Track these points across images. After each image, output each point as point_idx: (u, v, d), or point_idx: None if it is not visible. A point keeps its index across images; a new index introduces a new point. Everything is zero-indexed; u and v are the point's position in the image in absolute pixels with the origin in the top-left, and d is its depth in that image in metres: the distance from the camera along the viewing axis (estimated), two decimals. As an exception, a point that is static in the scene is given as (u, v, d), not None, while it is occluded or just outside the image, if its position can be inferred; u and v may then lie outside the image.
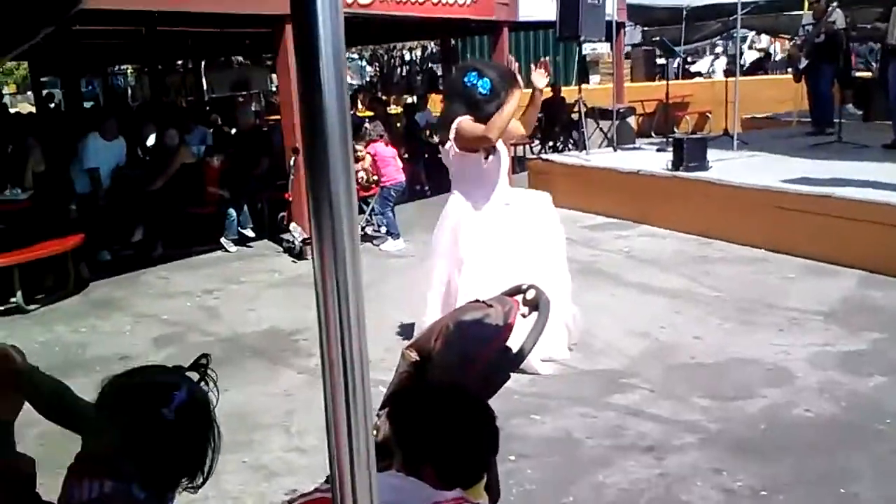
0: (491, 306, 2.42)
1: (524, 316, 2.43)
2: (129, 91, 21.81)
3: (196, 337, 5.97)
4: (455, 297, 4.76)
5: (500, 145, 4.91)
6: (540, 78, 4.96)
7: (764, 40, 26.39)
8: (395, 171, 8.47)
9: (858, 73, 11.85)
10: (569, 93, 14.18)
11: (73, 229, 7.27)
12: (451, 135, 4.83)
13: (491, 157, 4.90)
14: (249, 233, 8.73)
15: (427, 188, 11.66)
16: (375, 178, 8.53)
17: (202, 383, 1.79)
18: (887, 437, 3.80)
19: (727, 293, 6.14)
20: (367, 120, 8.60)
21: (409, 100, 15.59)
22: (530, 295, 2.46)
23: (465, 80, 4.81)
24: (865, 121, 11.57)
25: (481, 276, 4.63)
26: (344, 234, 0.94)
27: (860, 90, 11.94)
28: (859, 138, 9.40)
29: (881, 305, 5.62)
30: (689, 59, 22.03)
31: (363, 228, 8.50)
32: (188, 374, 1.80)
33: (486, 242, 4.88)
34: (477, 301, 2.56)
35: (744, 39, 21.28)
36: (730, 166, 8.53)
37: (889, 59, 9.19)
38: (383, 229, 8.62)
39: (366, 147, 8.46)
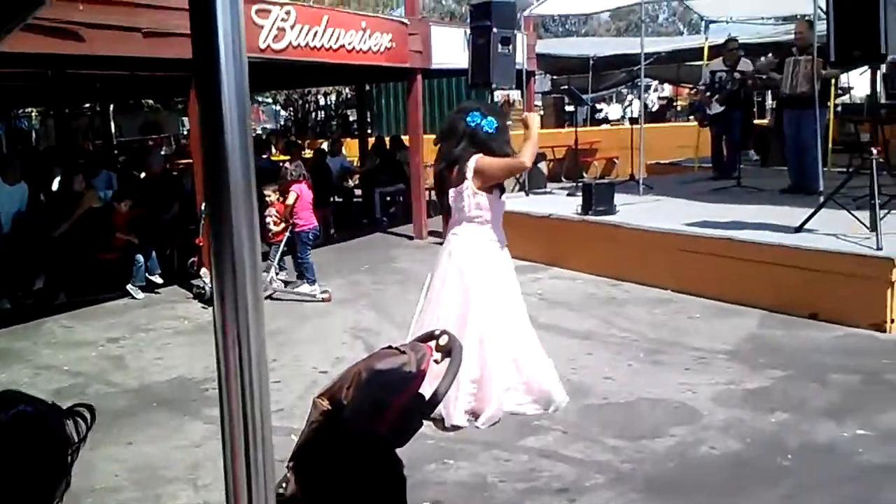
0: (404, 353, 2.42)
1: (437, 362, 2.44)
2: (34, 134, 21.14)
3: (100, 388, 5.76)
4: (466, 330, 4.65)
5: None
6: (535, 116, 5.15)
7: (667, 89, 27.52)
8: (310, 216, 8.38)
9: (756, 121, 12.41)
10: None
11: (-31, 277, 6.96)
12: (470, 174, 4.80)
13: (503, 195, 4.96)
14: (158, 279, 8.51)
15: (334, 232, 11.64)
16: (283, 225, 8.31)
17: (70, 422, 1.63)
18: (792, 472, 3.93)
19: (636, 334, 6.29)
20: (285, 162, 8.47)
21: (324, 145, 15.61)
22: (443, 341, 2.48)
23: (469, 120, 4.84)
24: (763, 166, 12.12)
25: (496, 312, 4.78)
26: (247, 284, 0.93)
27: (759, 137, 12.52)
28: (758, 183, 9.83)
29: (782, 344, 5.85)
30: (596, 107, 22.74)
31: (278, 274, 8.38)
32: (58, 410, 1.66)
33: (501, 279, 4.94)
34: (389, 347, 2.56)
35: (648, 88, 22.10)
36: (636, 210, 8.80)
37: (784, 108, 9.67)
38: (283, 274, 8.51)
39: (289, 188, 8.31)
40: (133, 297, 8.26)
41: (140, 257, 8.31)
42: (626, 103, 24.29)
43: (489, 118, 4.84)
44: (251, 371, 0.96)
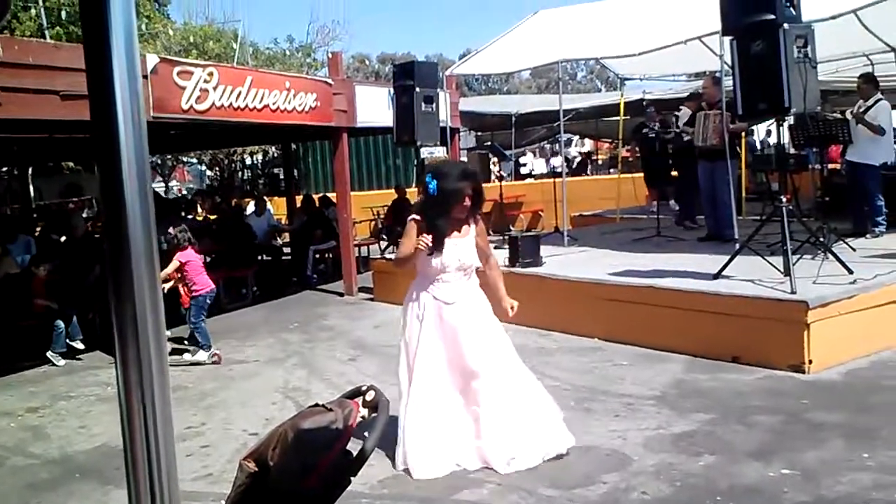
0: (330, 410, 2.42)
1: (363, 418, 2.44)
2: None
3: (19, 460, 5.54)
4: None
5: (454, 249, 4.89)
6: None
7: (588, 143, 28.30)
8: (206, 279, 7.97)
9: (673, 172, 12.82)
10: (411, 194, 14.55)
11: None
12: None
13: (433, 255, 4.86)
14: (79, 345, 8.27)
15: (256, 291, 11.55)
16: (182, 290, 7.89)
17: None
18: (719, 513, 4.01)
19: (566, 383, 6.37)
20: (171, 226, 8.05)
21: (250, 205, 15.51)
22: (370, 396, 2.49)
23: (426, 180, 4.89)
24: (678, 224, 12.47)
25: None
26: (151, 353, 0.92)
27: (676, 188, 12.91)
28: (677, 232, 10.14)
29: (707, 388, 5.99)
30: (520, 161, 23.21)
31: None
32: None
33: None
34: (315, 405, 2.55)
35: (569, 142, 22.68)
36: (562, 261, 8.99)
37: (699, 161, 10.04)
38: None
39: (172, 255, 7.80)
40: (54, 364, 8.01)
41: (60, 323, 8.08)
42: (548, 157, 24.89)
43: (433, 181, 4.81)
44: (157, 438, 0.95)
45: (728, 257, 7.20)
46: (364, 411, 2.43)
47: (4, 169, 17.70)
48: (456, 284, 4.92)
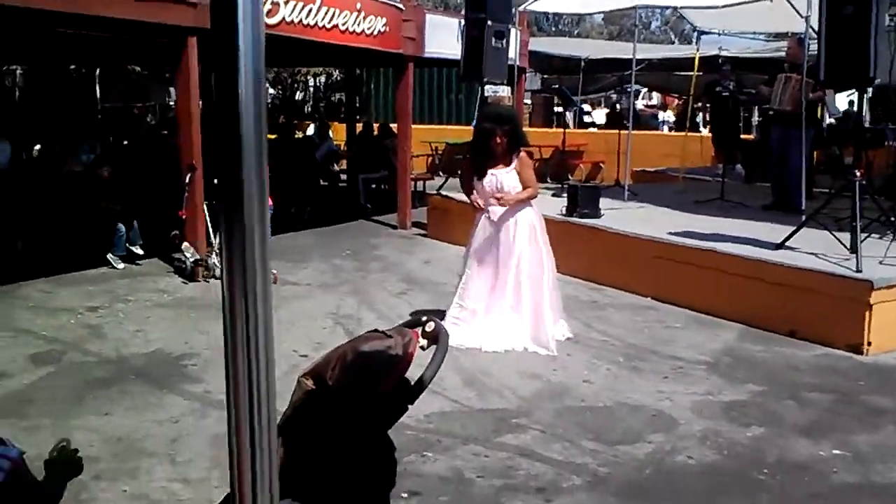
0: (390, 337, 2.42)
1: (423, 348, 2.44)
2: (18, 93, 20.77)
3: (77, 356, 5.71)
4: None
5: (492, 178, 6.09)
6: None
7: (655, 97, 27.66)
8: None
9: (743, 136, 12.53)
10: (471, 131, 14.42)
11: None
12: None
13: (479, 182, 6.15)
14: (138, 250, 8.42)
15: (308, 212, 11.64)
16: None
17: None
18: (766, 486, 3.98)
19: (616, 339, 6.34)
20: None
21: (311, 127, 15.54)
22: (429, 327, 2.48)
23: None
24: (747, 182, 12.22)
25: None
26: (256, 260, 0.92)
27: (745, 152, 12.61)
28: (741, 198, 9.92)
29: (760, 359, 5.91)
30: (584, 109, 22.81)
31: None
32: None
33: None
34: (376, 331, 2.55)
35: (637, 94, 22.21)
36: (620, 215, 8.86)
37: (771, 125, 9.75)
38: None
39: None
40: (113, 267, 8.18)
41: (121, 226, 8.22)
42: (612, 107, 24.45)
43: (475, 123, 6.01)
44: (258, 347, 0.95)
45: (793, 228, 7.03)
46: (423, 341, 2.43)
47: (73, 67, 17.87)
48: (499, 206, 6.03)
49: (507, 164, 6.02)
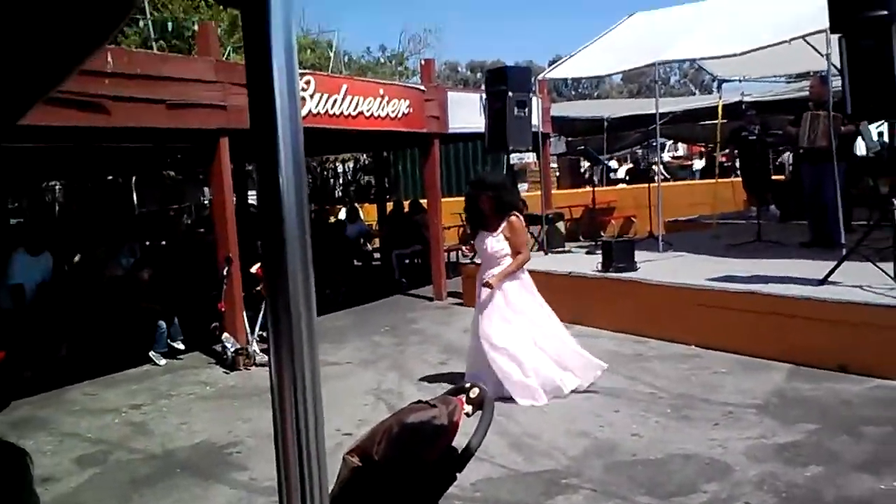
0: (434, 406, 2.39)
1: (468, 415, 2.41)
2: (58, 206, 21.49)
3: (122, 455, 5.72)
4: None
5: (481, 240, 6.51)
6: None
7: (681, 148, 27.67)
8: None
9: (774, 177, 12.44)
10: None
11: (-6, 347, 7.00)
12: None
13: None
14: (179, 345, 8.52)
15: (344, 292, 11.67)
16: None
17: None
18: (828, 525, 3.82)
19: (662, 390, 6.21)
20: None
21: (342, 212, 15.79)
22: (474, 393, 2.45)
23: None
24: (782, 221, 12.08)
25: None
26: (304, 351, 0.93)
27: (777, 192, 12.50)
28: (777, 237, 9.79)
29: (811, 397, 5.74)
30: (611, 166, 22.89)
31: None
32: None
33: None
34: (420, 402, 2.53)
35: (662, 147, 22.26)
36: (657, 266, 8.77)
37: (803, 163, 9.68)
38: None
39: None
40: (155, 364, 8.27)
41: (162, 323, 8.34)
42: (639, 163, 24.49)
43: None
44: (308, 432, 0.96)
45: (835, 263, 6.90)
46: (468, 408, 2.39)
47: (110, 178, 18.47)
48: (490, 269, 6.34)
49: (495, 228, 6.35)
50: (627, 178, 21.92)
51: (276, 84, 0.93)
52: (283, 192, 0.92)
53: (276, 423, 0.95)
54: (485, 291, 6.33)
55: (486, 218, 6.39)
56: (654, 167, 21.49)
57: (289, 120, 0.94)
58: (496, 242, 6.33)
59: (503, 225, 6.33)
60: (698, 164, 23.55)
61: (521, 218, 6.56)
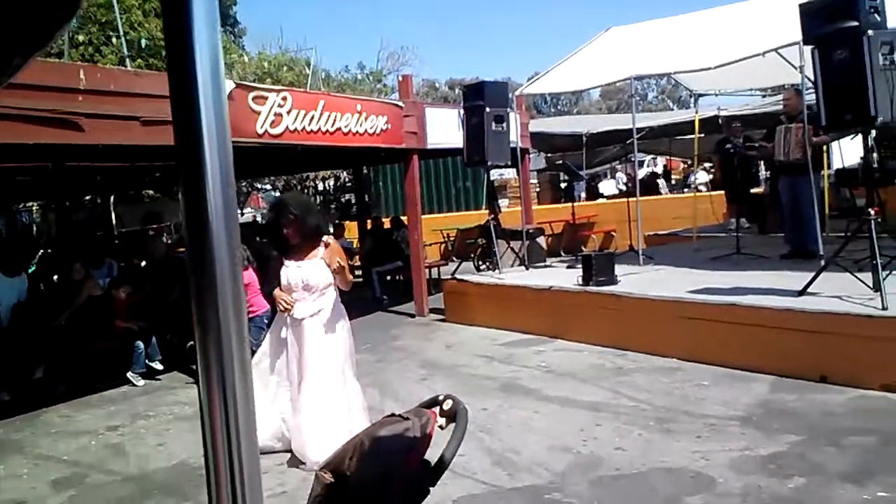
0: (407, 419, 2.35)
1: (442, 427, 2.38)
2: (35, 227, 21.28)
3: (100, 477, 5.61)
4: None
5: (297, 271, 5.58)
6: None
7: (659, 163, 27.86)
8: (262, 300, 7.53)
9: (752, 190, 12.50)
10: (480, 216, 14.54)
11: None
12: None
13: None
14: (158, 365, 8.41)
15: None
16: None
17: None
18: (812, 537, 3.80)
19: (645, 403, 6.18)
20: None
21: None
22: (447, 405, 2.42)
23: None
24: (761, 234, 12.15)
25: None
26: (235, 373, 0.91)
27: (753, 205, 12.57)
28: (756, 250, 9.83)
29: (793, 408, 5.73)
30: (592, 182, 22.98)
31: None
32: None
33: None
34: (392, 415, 2.49)
35: (641, 162, 22.37)
36: (638, 280, 8.78)
37: (779, 176, 9.74)
38: None
39: None
40: (133, 384, 8.16)
41: (140, 344, 8.24)
42: (620, 179, 24.54)
43: None
44: (241, 461, 0.92)
45: (814, 273, 6.92)
46: (442, 420, 2.36)
47: (88, 197, 18.33)
48: (306, 303, 5.50)
49: (312, 255, 5.56)
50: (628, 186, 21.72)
51: (201, 91, 0.90)
52: (212, 212, 0.89)
53: (207, 455, 0.93)
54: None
55: (295, 247, 5.56)
56: (658, 180, 21.53)
57: (216, 142, 0.91)
58: (317, 268, 5.51)
59: (320, 250, 5.55)
60: (706, 176, 23.42)
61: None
